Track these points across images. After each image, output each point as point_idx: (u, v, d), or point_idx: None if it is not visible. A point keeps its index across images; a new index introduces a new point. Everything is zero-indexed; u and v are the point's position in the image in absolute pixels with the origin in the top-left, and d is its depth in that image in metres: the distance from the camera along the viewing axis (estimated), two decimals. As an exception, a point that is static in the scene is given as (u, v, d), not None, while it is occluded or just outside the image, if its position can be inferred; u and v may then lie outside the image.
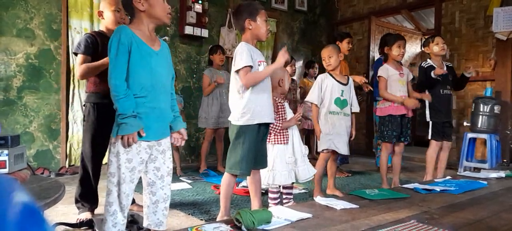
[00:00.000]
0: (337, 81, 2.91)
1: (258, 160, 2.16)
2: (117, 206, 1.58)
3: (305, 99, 3.11)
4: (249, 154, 2.08)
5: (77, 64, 2.23)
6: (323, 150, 2.89)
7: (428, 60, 3.25)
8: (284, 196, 2.53)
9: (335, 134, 2.86)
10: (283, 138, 2.40)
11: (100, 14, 2.31)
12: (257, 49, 2.17)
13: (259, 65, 2.10)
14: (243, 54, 2.04)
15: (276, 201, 2.46)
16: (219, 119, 3.88)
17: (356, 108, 3.00)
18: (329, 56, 2.89)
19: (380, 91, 3.18)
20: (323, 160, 2.94)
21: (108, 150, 1.61)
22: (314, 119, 2.95)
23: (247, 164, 2.09)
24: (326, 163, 2.97)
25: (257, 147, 2.12)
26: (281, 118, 2.42)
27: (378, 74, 3.20)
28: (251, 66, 2.03)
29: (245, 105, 2.05)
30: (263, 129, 2.15)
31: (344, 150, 2.89)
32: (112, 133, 1.58)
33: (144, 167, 1.66)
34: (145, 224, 1.72)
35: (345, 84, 2.94)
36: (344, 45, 3.76)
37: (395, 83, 3.14)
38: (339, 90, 2.89)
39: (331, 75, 2.93)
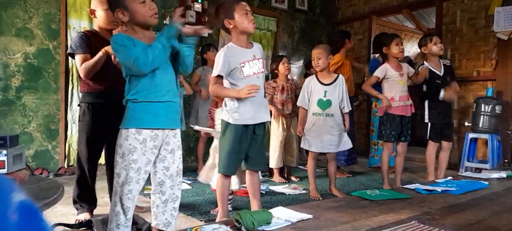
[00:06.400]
0: (320, 82, 2.94)
1: (252, 160, 2.13)
2: (120, 208, 1.57)
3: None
4: (233, 152, 2.04)
5: (78, 64, 2.17)
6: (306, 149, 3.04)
7: (425, 62, 3.22)
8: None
9: (314, 134, 2.91)
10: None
11: (92, 12, 2.25)
12: (245, 48, 2.07)
13: (242, 66, 2.03)
14: (219, 62, 2.01)
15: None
16: None
17: (346, 108, 3.00)
18: (318, 57, 2.91)
19: (364, 84, 3.17)
20: (311, 158, 3.01)
21: (115, 151, 1.60)
22: (299, 120, 3.08)
23: (231, 162, 2.06)
24: (314, 161, 3.02)
25: (244, 146, 2.07)
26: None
27: (374, 73, 3.15)
28: (221, 77, 2.03)
29: (230, 105, 2.04)
30: (251, 128, 2.08)
31: (324, 148, 2.95)
32: (122, 124, 1.59)
33: (152, 167, 1.65)
34: (153, 224, 1.71)
35: (329, 85, 2.93)
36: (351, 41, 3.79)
37: (395, 84, 3.11)
38: (321, 92, 2.92)
39: (316, 76, 2.99)
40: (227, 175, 2.12)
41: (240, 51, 2.04)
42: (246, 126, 2.06)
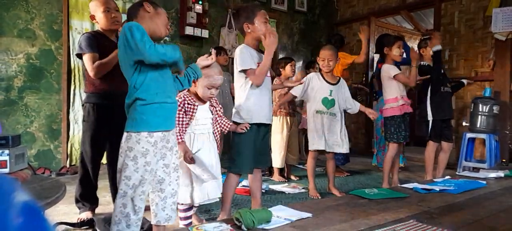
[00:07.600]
0: (326, 81, 2.96)
1: (258, 159, 2.18)
2: (130, 209, 1.58)
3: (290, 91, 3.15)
4: (248, 152, 2.09)
5: (88, 63, 2.17)
6: (309, 149, 3.02)
7: (423, 62, 3.26)
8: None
9: (319, 133, 2.92)
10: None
11: (93, 17, 2.28)
12: (256, 51, 2.18)
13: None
14: (245, 56, 2.07)
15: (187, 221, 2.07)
16: None
17: (356, 105, 3.03)
18: (329, 59, 2.93)
19: (410, 79, 3.05)
20: (311, 157, 3.02)
21: (120, 153, 1.60)
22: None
23: (246, 162, 2.11)
24: (314, 160, 3.03)
25: (256, 146, 2.14)
26: (183, 122, 1.94)
27: (394, 74, 3.06)
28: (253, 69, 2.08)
29: (244, 104, 2.09)
30: (262, 128, 2.17)
31: (328, 147, 2.94)
32: (130, 127, 1.56)
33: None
34: (153, 222, 1.72)
35: (334, 84, 2.97)
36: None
37: (400, 84, 3.11)
38: (327, 90, 2.95)
39: (321, 75, 2.99)
40: (239, 174, 2.16)
41: (254, 53, 2.14)
42: (258, 126, 2.12)
